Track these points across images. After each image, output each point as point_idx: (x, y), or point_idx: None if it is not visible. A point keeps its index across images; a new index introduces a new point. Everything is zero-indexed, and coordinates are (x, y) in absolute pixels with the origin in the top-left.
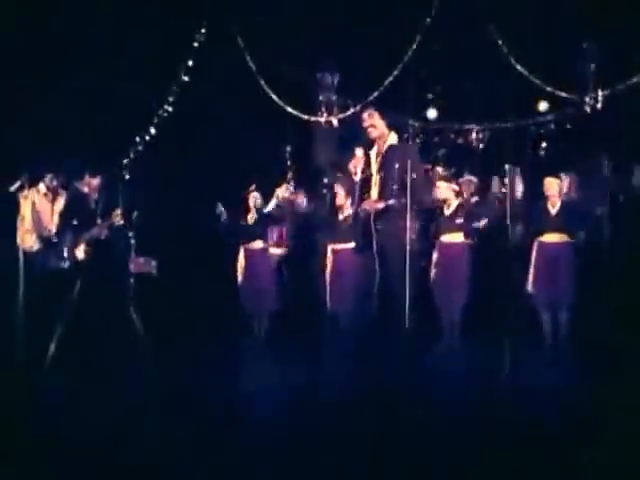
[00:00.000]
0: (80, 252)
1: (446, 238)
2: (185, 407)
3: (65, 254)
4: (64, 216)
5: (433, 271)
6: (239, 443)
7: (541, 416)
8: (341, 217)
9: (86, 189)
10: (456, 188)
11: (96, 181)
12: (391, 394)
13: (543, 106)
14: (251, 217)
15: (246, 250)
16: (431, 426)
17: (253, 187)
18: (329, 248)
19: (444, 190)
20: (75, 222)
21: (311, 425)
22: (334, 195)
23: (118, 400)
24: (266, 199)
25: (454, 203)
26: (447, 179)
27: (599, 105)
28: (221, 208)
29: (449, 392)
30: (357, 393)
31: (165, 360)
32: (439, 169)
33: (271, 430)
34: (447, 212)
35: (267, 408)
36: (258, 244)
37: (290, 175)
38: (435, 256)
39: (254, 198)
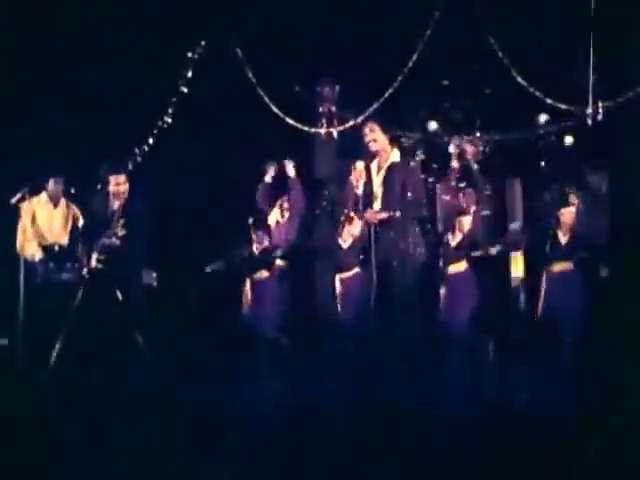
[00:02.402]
0: (93, 261)
1: (452, 269)
2: (184, 419)
3: (75, 264)
4: (81, 224)
5: (442, 301)
6: (239, 455)
7: (540, 439)
8: (345, 246)
9: (111, 195)
10: (463, 206)
11: (124, 187)
12: (393, 409)
13: (543, 118)
14: (256, 248)
15: (252, 280)
16: (432, 439)
17: (252, 220)
18: (337, 278)
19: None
20: (91, 231)
21: (312, 441)
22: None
23: (117, 413)
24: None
25: (466, 223)
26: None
27: (600, 117)
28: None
29: (450, 408)
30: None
31: (164, 371)
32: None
33: (270, 443)
34: (453, 243)
35: (266, 421)
36: (264, 274)
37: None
38: (443, 289)
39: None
